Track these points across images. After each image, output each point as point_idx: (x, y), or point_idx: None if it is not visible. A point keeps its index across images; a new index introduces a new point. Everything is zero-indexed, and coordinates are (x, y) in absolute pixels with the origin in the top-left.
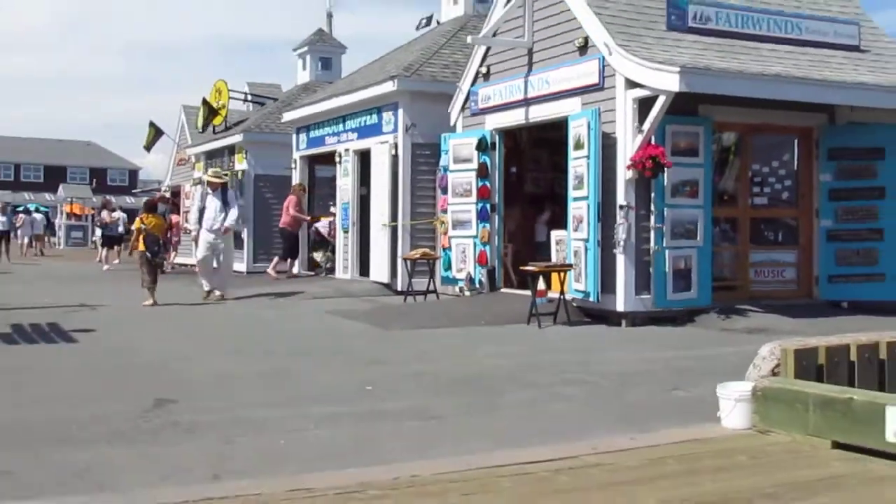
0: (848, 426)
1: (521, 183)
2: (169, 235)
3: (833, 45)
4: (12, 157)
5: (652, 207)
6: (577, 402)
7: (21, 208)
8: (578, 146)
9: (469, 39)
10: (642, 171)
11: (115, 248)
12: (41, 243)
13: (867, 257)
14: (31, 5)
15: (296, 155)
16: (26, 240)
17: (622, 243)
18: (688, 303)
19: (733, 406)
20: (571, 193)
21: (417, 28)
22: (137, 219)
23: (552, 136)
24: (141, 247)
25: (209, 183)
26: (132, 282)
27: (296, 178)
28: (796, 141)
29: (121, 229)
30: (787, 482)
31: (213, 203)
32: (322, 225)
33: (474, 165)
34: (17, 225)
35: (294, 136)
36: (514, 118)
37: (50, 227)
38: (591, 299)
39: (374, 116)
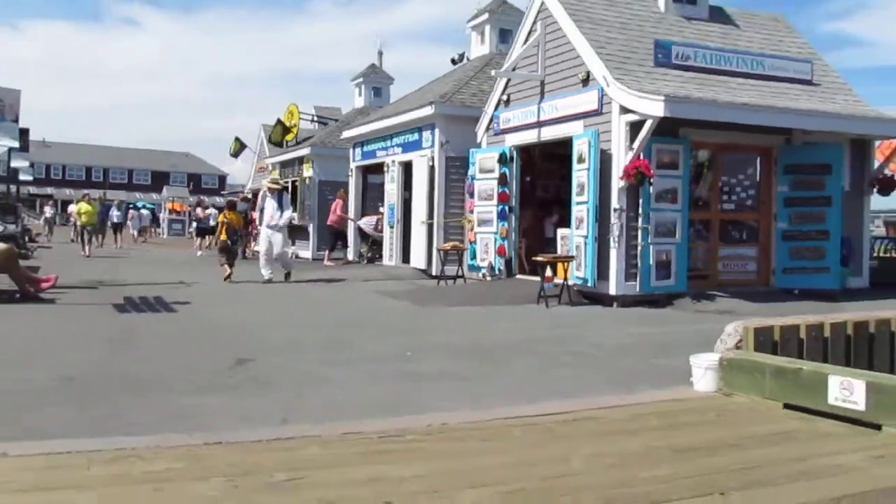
0: (797, 391)
1: (534, 189)
2: (249, 228)
3: (790, 80)
4: (126, 164)
5: (640, 211)
6: (576, 368)
7: (132, 205)
8: (581, 160)
9: (493, 73)
10: (631, 181)
11: (207, 237)
12: (147, 233)
13: (816, 253)
14: (143, 46)
15: (352, 165)
16: (135, 231)
17: (615, 239)
18: (668, 288)
19: (703, 373)
20: (574, 198)
21: (453, 62)
22: (220, 214)
23: (559, 152)
24: (223, 236)
25: (268, 188)
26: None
27: (352, 186)
28: (759, 158)
29: (211, 223)
30: (746, 435)
31: (270, 204)
32: (363, 222)
33: (496, 175)
34: (129, 219)
35: (351, 150)
36: (528, 137)
37: (155, 220)
38: (588, 285)
39: (416, 135)
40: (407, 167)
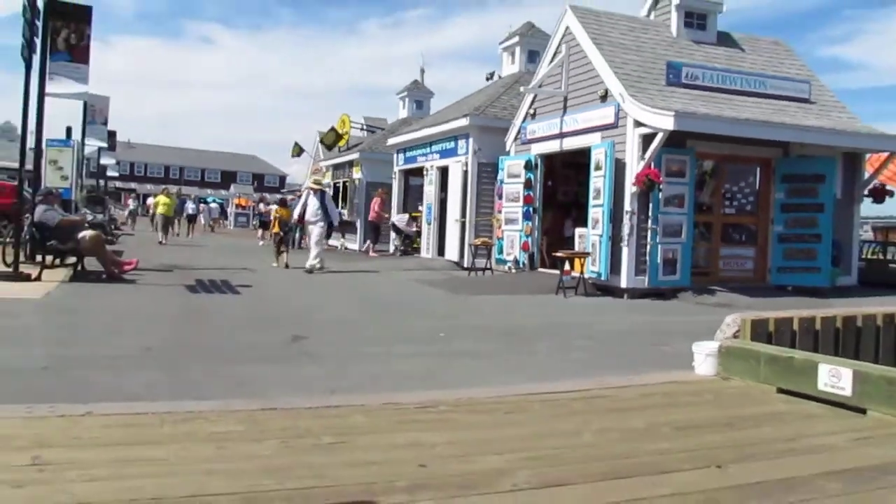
0: (790, 377)
1: (555, 193)
2: (303, 222)
3: (789, 98)
4: (199, 163)
5: (650, 213)
6: (589, 351)
7: (203, 200)
8: (598, 168)
9: (521, 89)
10: (642, 187)
11: (268, 229)
12: (216, 224)
13: (808, 255)
14: (217, 61)
15: (395, 169)
16: (205, 222)
17: (626, 239)
18: (673, 283)
19: (704, 359)
20: (591, 202)
21: (487, 79)
22: (274, 210)
23: (578, 160)
24: (276, 229)
25: (310, 187)
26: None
27: (395, 187)
28: (758, 168)
29: (272, 217)
30: (742, 415)
31: (312, 202)
32: (396, 219)
33: (522, 180)
34: (200, 212)
35: (394, 156)
36: (551, 147)
37: (223, 213)
38: (602, 278)
39: (452, 143)
40: (443, 171)
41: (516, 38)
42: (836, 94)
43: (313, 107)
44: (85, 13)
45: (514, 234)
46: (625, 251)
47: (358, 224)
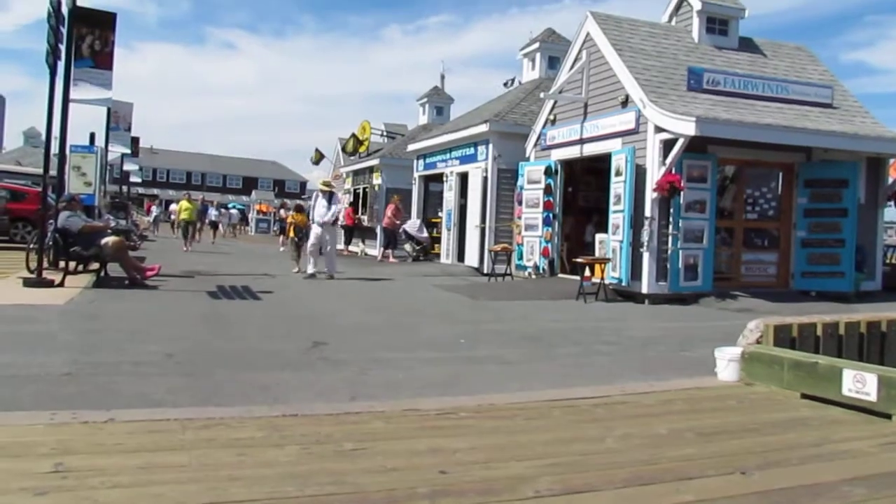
0: (814, 382)
1: (575, 199)
2: None
3: (812, 103)
4: (221, 170)
5: (670, 219)
6: (611, 357)
7: (224, 206)
8: (618, 174)
9: (542, 95)
10: (663, 193)
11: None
12: (236, 230)
13: (831, 259)
14: (239, 67)
15: (415, 175)
16: (225, 228)
17: (647, 244)
18: (695, 289)
19: (726, 364)
20: (612, 207)
21: (505, 86)
22: (289, 215)
23: (599, 166)
24: (291, 234)
25: (320, 189)
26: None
27: (415, 193)
28: (780, 173)
29: None
30: (766, 420)
31: (321, 203)
32: (408, 225)
33: (542, 186)
34: (222, 216)
35: (414, 162)
36: (572, 152)
37: (244, 219)
38: (623, 284)
39: (472, 149)
40: (463, 177)
41: (537, 45)
42: (858, 99)
43: (334, 113)
44: (109, 19)
45: (534, 239)
46: (645, 257)
47: (378, 230)
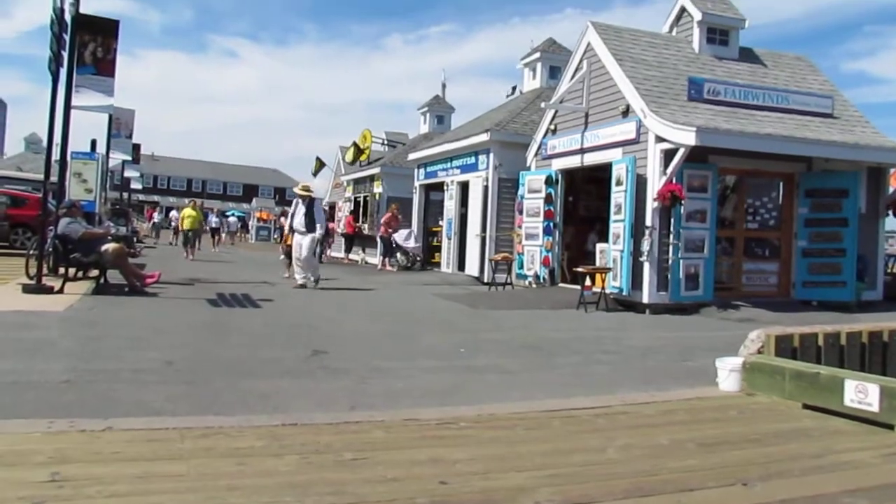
0: (815, 393)
1: (576, 208)
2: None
3: (812, 113)
4: (222, 177)
5: (671, 229)
6: (611, 366)
7: (223, 213)
8: (619, 183)
9: (542, 105)
10: (664, 203)
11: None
12: (233, 238)
13: (832, 269)
14: (244, 74)
15: (416, 184)
16: (224, 236)
17: (648, 254)
18: (696, 298)
19: (728, 375)
20: (612, 217)
21: (507, 96)
22: (285, 222)
23: (599, 175)
24: (290, 241)
25: (299, 195)
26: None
27: (415, 202)
28: (781, 183)
29: None
30: (768, 431)
31: (300, 210)
32: (397, 235)
33: (542, 195)
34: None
35: (415, 171)
36: (572, 162)
37: (244, 227)
38: (623, 293)
39: (473, 158)
40: (464, 186)
41: (537, 55)
42: (859, 109)
43: (336, 121)
44: (112, 27)
45: (534, 249)
46: (646, 266)
47: (378, 238)
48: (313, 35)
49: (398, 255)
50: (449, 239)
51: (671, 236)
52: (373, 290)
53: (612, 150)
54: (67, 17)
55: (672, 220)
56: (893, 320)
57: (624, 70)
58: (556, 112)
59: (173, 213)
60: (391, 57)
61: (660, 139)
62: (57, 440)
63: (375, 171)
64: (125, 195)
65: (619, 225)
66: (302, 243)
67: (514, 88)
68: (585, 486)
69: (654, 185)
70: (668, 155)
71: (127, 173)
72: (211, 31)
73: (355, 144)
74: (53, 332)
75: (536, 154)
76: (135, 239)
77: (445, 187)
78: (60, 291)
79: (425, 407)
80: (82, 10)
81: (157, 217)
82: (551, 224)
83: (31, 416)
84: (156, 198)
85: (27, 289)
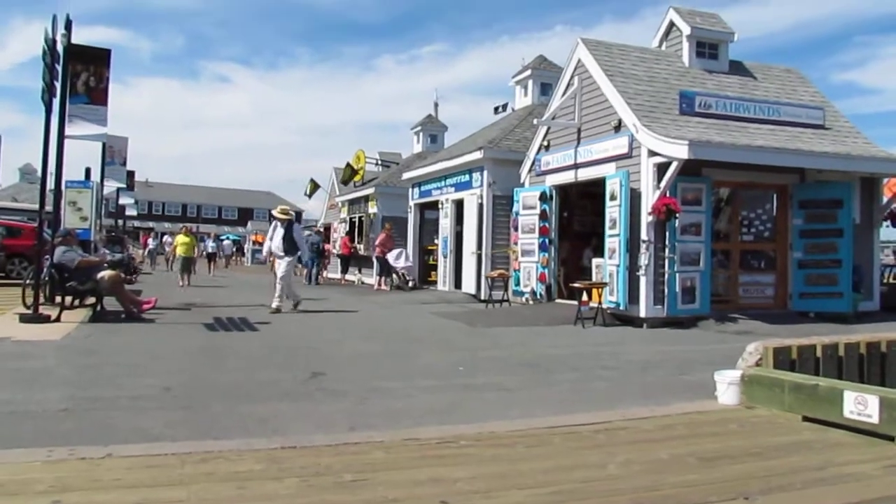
0: (815, 405)
1: (571, 224)
2: (321, 258)
3: (804, 125)
4: (217, 201)
5: (666, 242)
6: (610, 382)
7: (218, 237)
8: (613, 198)
9: (535, 121)
10: (660, 216)
11: None
12: (228, 261)
13: (829, 280)
14: (236, 99)
15: (411, 203)
16: (218, 260)
17: (644, 268)
18: (692, 311)
19: (727, 388)
20: (607, 231)
21: (496, 111)
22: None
23: (594, 191)
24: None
25: (277, 218)
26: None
27: (410, 221)
28: (775, 194)
29: None
30: (768, 444)
31: (279, 233)
32: (390, 255)
33: (537, 211)
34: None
35: (410, 190)
36: (566, 177)
37: (240, 250)
38: (620, 308)
39: (467, 176)
40: (459, 204)
41: (528, 72)
42: (850, 120)
43: (329, 143)
44: (104, 56)
45: (530, 265)
46: (642, 280)
47: (374, 259)
48: (305, 58)
49: (391, 275)
50: (445, 257)
51: (667, 250)
52: (370, 310)
53: (606, 165)
54: (60, 48)
55: (667, 234)
56: (891, 331)
57: (615, 85)
58: (549, 128)
59: (166, 238)
60: (383, 77)
61: (652, 153)
62: (57, 468)
63: (370, 191)
64: (120, 222)
65: (614, 239)
66: (279, 266)
67: (505, 104)
68: (587, 502)
69: (648, 198)
70: (662, 169)
71: (122, 200)
72: (202, 57)
73: (349, 165)
74: (51, 360)
75: (530, 170)
76: (132, 266)
77: (440, 206)
78: (57, 320)
79: (425, 426)
80: (74, 41)
81: (151, 244)
82: (547, 240)
83: (30, 445)
84: (151, 224)
85: (24, 318)
